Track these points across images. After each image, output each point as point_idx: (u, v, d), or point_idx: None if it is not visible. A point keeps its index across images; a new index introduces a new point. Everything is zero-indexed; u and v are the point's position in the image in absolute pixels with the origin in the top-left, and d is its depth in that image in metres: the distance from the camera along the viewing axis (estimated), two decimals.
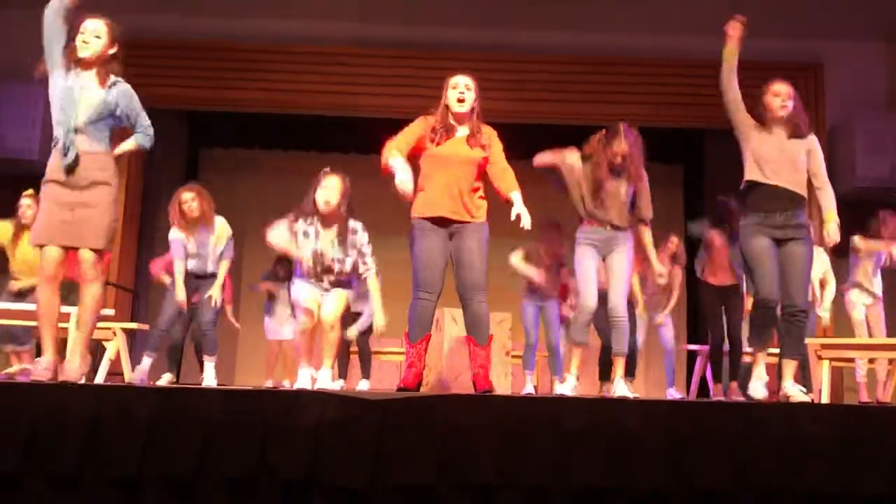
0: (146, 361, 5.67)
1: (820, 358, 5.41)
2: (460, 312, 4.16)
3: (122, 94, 3.72)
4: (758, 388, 4.23)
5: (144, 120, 3.84)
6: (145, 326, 7.22)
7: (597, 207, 4.49)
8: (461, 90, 4.04)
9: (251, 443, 3.01)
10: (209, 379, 5.57)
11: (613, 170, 4.51)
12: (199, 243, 5.63)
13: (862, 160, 7.94)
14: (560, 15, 8.22)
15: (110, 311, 5.38)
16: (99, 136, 3.65)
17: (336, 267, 4.11)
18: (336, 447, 3.01)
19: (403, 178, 3.79)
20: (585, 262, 4.48)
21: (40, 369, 3.59)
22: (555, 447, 3.05)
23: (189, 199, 5.56)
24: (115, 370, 5.89)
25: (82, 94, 3.62)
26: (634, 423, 3.11)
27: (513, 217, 4.01)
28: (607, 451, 3.05)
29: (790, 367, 4.18)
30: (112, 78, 3.71)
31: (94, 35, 3.67)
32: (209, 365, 5.61)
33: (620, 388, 4.46)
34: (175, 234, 5.64)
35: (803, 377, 5.57)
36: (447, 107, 4.04)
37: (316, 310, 4.14)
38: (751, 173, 4.17)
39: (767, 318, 4.15)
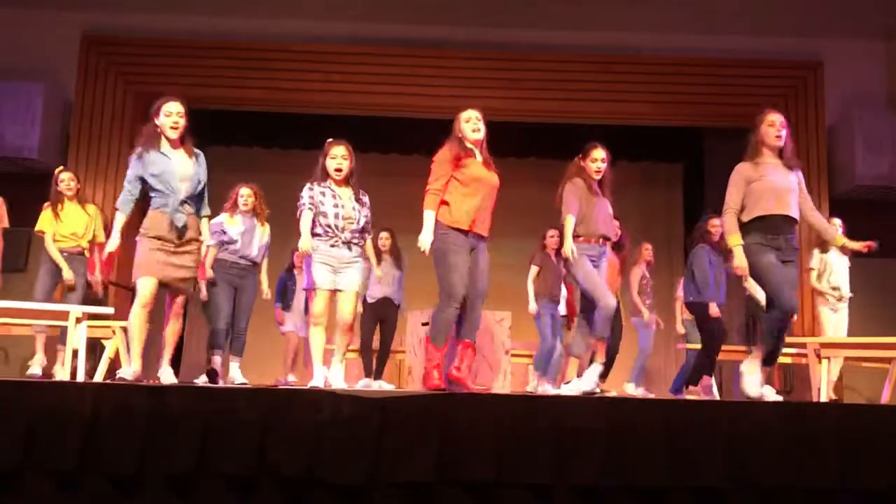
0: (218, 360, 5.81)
1: (820, 358, 5.41)
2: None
3: (202, 166, 4.35)
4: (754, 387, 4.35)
5: (205, 192, 4.41)
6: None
7: (592, 223, 4.72)
8: (475, 122, 4.42)
9: (251, 441, 3.02)
10: (238, 377, 5.80)
11: (597, 182, 4.81)
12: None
13: (861, 158, 7.94)
14: (560, 14, 8.21)
15: (110, 310, 5.38)
16: (195, 203, 4.30)
17: (354, 216, 4.50)
18: (336, 445, 3.01)
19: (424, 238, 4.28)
20: (592, 270, 4.69)
21: (129, 374, 4.17)
22: (554, 446, 3.05)
23: (246, 194, 5.92)
24: (115, 368, 5.88)
25: (179, 169, 4.22)
26: (633, 421, 3.11)
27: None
28: (606, 450, 3.05)
29: (758, 352, 4.40)
30: (195, 150, 4.32)
31: (179, 115, 4.25)
32: (235, 365, 5.87)
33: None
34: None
35: (784, 378, 5.70)
36: (461, 138, 4.40)
37: (328, 299, 4.44)
38: (756, 210, 4.36)
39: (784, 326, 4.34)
